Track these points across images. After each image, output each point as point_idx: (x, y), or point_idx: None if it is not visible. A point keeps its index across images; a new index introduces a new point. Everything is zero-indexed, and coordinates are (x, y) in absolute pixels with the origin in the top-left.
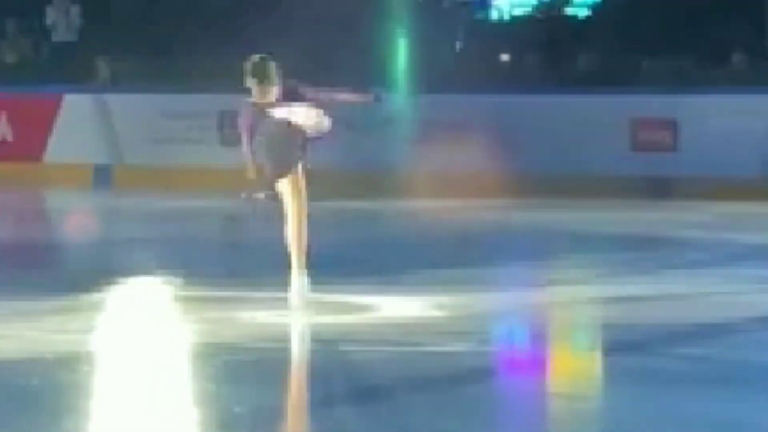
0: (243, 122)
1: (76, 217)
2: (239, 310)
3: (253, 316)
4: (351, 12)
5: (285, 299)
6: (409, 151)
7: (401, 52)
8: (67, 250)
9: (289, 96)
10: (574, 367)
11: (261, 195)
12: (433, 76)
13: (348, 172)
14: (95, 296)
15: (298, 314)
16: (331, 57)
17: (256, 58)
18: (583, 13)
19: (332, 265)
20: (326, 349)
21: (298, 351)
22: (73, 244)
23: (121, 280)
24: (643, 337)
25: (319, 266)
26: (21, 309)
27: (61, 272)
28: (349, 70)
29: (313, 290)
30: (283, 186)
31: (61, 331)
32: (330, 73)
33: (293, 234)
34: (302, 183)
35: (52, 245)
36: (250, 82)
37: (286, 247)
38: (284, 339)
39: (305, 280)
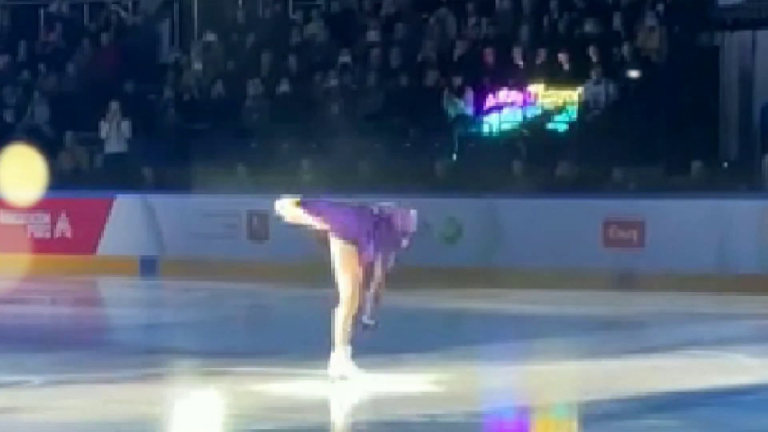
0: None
1: (126, 302)
2: (260, 383)
3: (269, 388)
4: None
5: (294, 374)
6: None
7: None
8: (117, 331)
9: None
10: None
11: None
12: (432, 181)
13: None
14: (140, 372)
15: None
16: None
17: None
18: (562, 128)
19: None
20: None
21: (316, 420)
22: (122, 326)
23: (163, 356)
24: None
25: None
26: (78, 381)
27: (111, 350)
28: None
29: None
30: (341, 274)
31: (110, 402)
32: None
33: (345, 313)
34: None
35: (105, 327)
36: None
37: (330, 327)
38: (300, 410)
39: (345, 354)
